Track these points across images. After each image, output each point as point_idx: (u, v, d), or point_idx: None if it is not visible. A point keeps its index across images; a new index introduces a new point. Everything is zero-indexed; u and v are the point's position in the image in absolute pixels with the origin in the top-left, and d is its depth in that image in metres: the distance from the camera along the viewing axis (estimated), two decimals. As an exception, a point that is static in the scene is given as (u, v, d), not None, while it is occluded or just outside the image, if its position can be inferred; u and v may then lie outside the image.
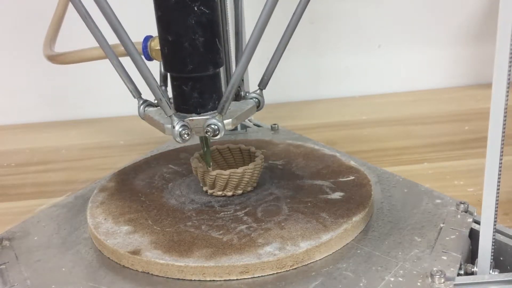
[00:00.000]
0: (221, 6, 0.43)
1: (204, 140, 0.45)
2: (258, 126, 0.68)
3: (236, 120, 0.41)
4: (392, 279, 0.36)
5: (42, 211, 0.49)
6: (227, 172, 0.45)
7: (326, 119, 0.84)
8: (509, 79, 0.33)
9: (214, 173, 0.45)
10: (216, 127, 0.40)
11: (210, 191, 0.46)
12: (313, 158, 0.53)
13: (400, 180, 0.50)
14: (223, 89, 0.42)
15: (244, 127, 0.69)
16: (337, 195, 0.45)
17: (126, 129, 0.85)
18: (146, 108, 0.43)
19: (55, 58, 0.56)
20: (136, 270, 0.39)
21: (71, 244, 0.43)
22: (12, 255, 0.42)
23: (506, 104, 0.33)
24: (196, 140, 0.62)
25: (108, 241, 0.41)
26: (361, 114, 0.84)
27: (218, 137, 0.40)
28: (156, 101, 0.42)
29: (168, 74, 0.42)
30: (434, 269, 0.36)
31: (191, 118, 0.40)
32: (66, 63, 0.55)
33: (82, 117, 0.91)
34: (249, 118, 0.69)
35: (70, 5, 0.56)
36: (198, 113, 0.41)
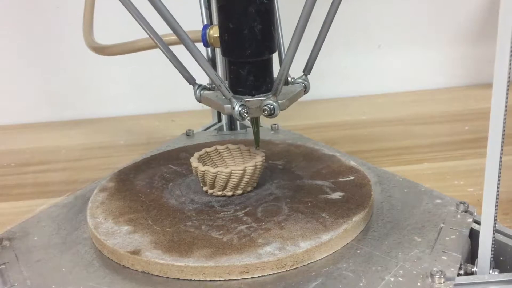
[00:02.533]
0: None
1: (256, 120, 0.48)
2: (258, 126, 0.68)
3: (289, 102, 0.44)
4: (392, 279, 0.36)
5: (42, 211, 0.49)
6: (228, 170, 0.45)
7: (326, 119, 0.84)
8: (509, 79, 0.33)
9: (214, 171, 0.45)
10: (272, 106, 0.43)
11: (210, 191, 0.46)
12: (313, 158, 0.53)
13: (400, 180, 0.50)
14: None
15: (244, 127, 0.69)
16: (337, 195, 0.45)
17: (126, 129, 0.85)
18: (202, 92, 0.46)
19: (102, 50, 0.59)
20: (136, 270, 0.39)
21: (71, 244, 0.43)
22: (12, 255, 0.42)
23: (506, 104, 0.33)
24: (196, 140, 0.63)
25: (108, 241, 0.41)
26: (361, 114, 0.84)
27: (273, 116, 0.43)
28: (209, 85, 0.46)
29: (225, 59, 0.46)
30: (434, 269, 0.36)
31: (247, 99, 0.43)
32: (113, 54, 0.58)
33: (82, 117, 0.91)
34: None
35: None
36: (253, 95, 0.44)
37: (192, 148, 0.57)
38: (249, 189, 0.47)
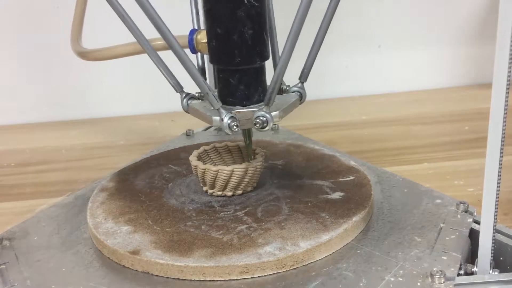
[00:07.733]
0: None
1: (248, 132, 0.45)
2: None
3: (283, 113, 0.41)
4: (392, 279, 0.36)
5: (42, 211, 0.49)
6: (230, 168, 0.44)
7: (326, 119, 0.84)
8: (509, 79, 0.33)
9: (215, 169, 0.44)
10: (264, 118, 0.40)
11: (210, 191, 0.46)
12: (313, 158, 0.53)
13: (400, 180, 0.50)
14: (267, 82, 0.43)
15: (244, 127, 0.69)
16: (337, 195, 0.45)
17: (126, 129, 0.85)
18: (189, 101, 0.44)
19: (87, 55, 0.57)
20: (136, 270, 0.39)
21: (71, 244, 0.43)
22: (12, 255, 0.42)
23: (506, 104, 0.33)
24: (196, 140, 0.62)
25: (108, 241, 0.41)
26: (361, 114, 0.84)
27: (266, 129, 0.40)
28: (198, 94, 0.43)
29: (213, 67, 0.42)
30: (434, 269, 0.36)
31: (238, 110, 0.41)
32: (99, 59, 0.56)
33: (82, 117, 0.91)
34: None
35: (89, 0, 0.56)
36: (244, 106, 0.41)
37: (192, 148, 0.56)
38: (249, 189, 0.47)
